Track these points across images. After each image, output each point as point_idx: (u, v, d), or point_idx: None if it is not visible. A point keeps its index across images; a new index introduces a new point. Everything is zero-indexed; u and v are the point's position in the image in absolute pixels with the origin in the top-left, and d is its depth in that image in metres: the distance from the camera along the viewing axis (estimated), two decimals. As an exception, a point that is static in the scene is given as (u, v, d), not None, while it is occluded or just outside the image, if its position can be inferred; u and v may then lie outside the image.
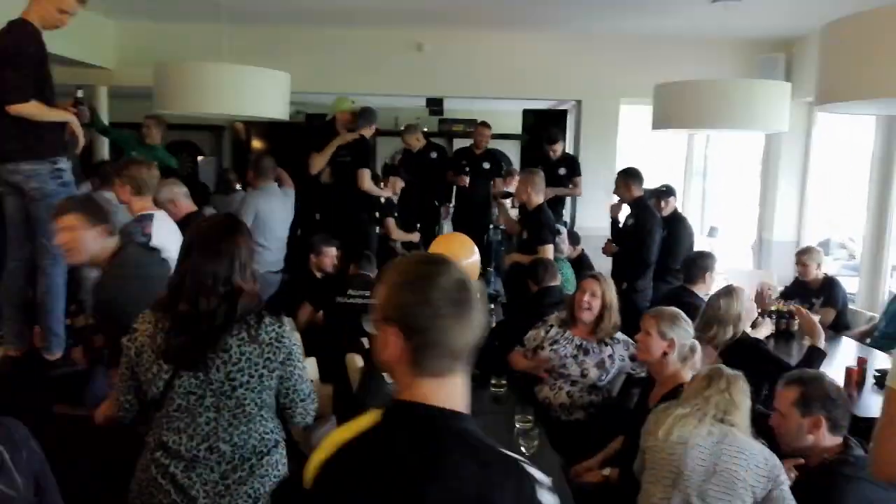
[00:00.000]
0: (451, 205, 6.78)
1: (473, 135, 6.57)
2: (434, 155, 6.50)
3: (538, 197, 4.66)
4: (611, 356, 3.22)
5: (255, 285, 1.90)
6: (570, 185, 6.05)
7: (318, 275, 4.67)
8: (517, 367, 3.35)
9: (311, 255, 4.64)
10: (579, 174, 6.08)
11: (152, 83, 4.55)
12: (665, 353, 2.64)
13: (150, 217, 3.21)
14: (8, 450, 1.07)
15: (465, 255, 3.65)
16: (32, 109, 3.18)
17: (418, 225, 6.20)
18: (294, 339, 1.93)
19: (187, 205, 3.77)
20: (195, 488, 1.82)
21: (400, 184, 5.93)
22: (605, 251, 5.20)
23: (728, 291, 3.24)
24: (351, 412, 2.20)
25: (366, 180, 5.33)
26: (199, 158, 8.98)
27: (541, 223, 4.60)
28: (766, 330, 3.85)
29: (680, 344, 2.64)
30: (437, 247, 3.85)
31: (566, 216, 6.55)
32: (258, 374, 1.83)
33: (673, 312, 2.72)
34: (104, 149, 6.34)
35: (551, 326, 3.36)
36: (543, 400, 3.21)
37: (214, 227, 1.92)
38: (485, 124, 6.47)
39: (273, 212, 4.78)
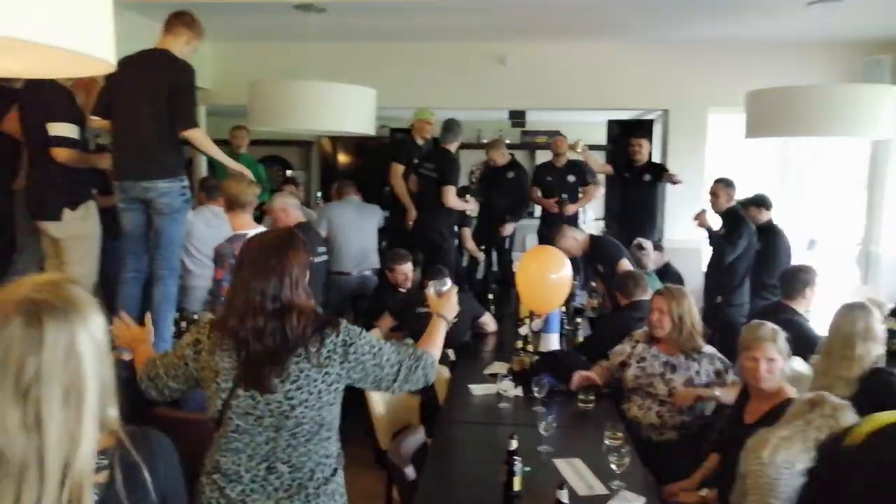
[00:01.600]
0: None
1: (551, 147, 6.47)
2: (511, 175, 6.46)
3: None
4: (698, 372, 3.08)
5: (310, 301, 1.84)
6: (660, 186, 5.92)
7: (402, 289, 4.74)
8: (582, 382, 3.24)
9: (387, 272, 4.75)
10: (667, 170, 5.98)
11: (246, 101, 4.76)
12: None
13: (241, 237, 3.35)
14: (147, 464, 1.08)
15: (556, 268, 3.60)
16: (201, 136, 3.56)
17: (482, 247, 6.20)
18: (354, 339, 1.82)
19: (297, 215, 3.94)
20: None
21: (474, 203, 5.94)
22: (700, 222, 4.97)
23: (861, 306, 2.80)
24: (439, 423, 2.22)
25: (450, 197, 5.33)
26: (288, 172, 9.30)
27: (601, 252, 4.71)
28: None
29: (784, 358, 2.54)
30: (528, 260, 3.82)
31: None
32: (317, 391, 1.77)
33: (774, 326, 2.61)
34: (202, 165, 6.66)
35: (637, 342, 3.26)
36: (632, 419, 3.11)
37: (266, 243, 1.88)
38: (559, 135, 6.39)
39: (349, 221, 5.23)
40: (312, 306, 1.84)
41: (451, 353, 3.98)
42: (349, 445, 2.02)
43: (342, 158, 9.59)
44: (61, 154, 3.60)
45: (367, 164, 8.95)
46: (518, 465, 2.17)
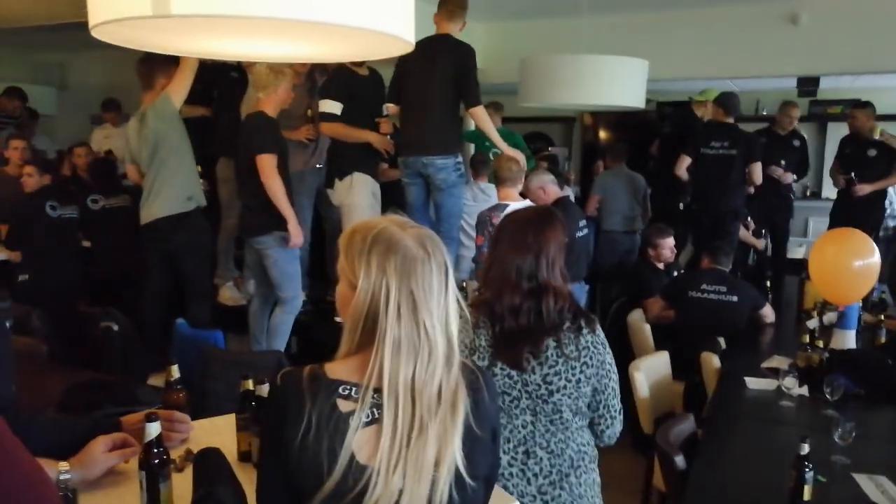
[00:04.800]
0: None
1: (849, 119, 5.61)
2: (797, 143, 5.78)
3: None
4: None
5: (567, 284, 1.81)
6: None
7: (661, 265, 4.59)
8: None
9: (649, 249, 4.59)
10: None
11: (517, 78, 4.86)
12: None
13: (501, 207, 3.52)
14: (487, 391, 1.24)
15: (861, 254, 3.15)
16: (484, 114, 3.89)
17: (763, 231, 5.64)
18: (608, 349, 1.82)
19: (555, 191, 4.03)
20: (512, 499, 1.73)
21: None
22: None
23: None
24: (710, 414, 2.07)
25: (759, 174, 5.03)
26: (550, 149, 9.38)
27: None
28: None
29: None
30: (826, 243, 3.37)
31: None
32: (575, 380, 1.75)
33: None
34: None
35: None
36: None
37: (525, 219, 1.85)
38: (863, 106, 5.48)
39: (621, 185, 6.02)
40: (569, 291, 1.81)
41: (721, 342, 3.72)
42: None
43: (603, 134, 9.41)
44: (324, 127, 4.10)
45: (628, 139, 8.69)
46: (810, 473, 1.94)
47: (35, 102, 7.24)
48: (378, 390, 1.14)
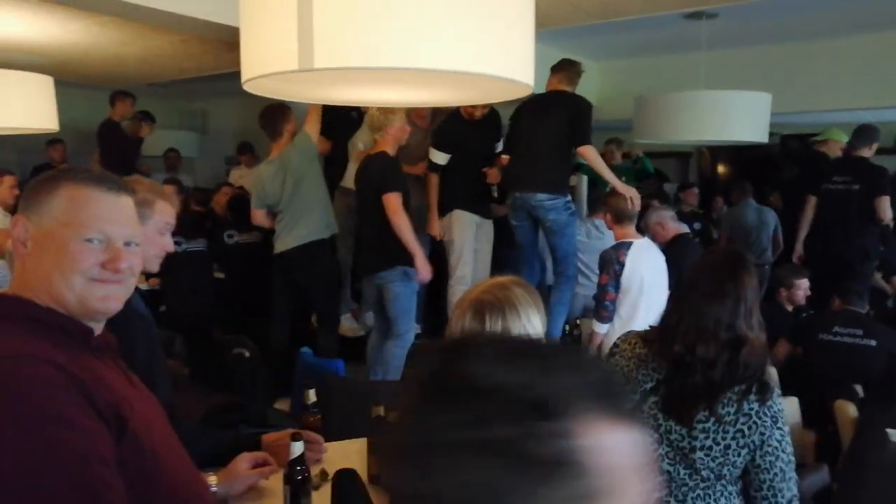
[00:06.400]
0: None
1: None
2: None
3: None
4: None
5: (763, 335, 1.64)
6: None
7: (790, 307, 4.36)
8: None
9: (782, 290, 4.36)
10: None
11: (630, 116, 4.84)
12: None
13: (626, 245, 3.47)
14: None
15: None
16: (594, 153, 4.00)
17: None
18: (779, 426, 1.58)
19: (675, 227, 3.98)
20: None
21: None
22: None
23: None
24: (846, 467, 1.94)
25: (887, 209, 4.73)
26: (664, 185, 9.16)
27: None
28: None
29: None
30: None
31: None
32: (724, 444, 1.57)
33: None
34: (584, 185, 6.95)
35: None
36: None
37: (717, 264, 1.72)
38: None
39: (751, 220, 6.07)
40: (763, 343, 1.65)
41: (859, 390, 3.47)
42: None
43: (721, 169, 9.10)
44: (429, 175, 4.34)
45: (749, 173, 8.36)
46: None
47: (181, 146, 7.99)
48: None
